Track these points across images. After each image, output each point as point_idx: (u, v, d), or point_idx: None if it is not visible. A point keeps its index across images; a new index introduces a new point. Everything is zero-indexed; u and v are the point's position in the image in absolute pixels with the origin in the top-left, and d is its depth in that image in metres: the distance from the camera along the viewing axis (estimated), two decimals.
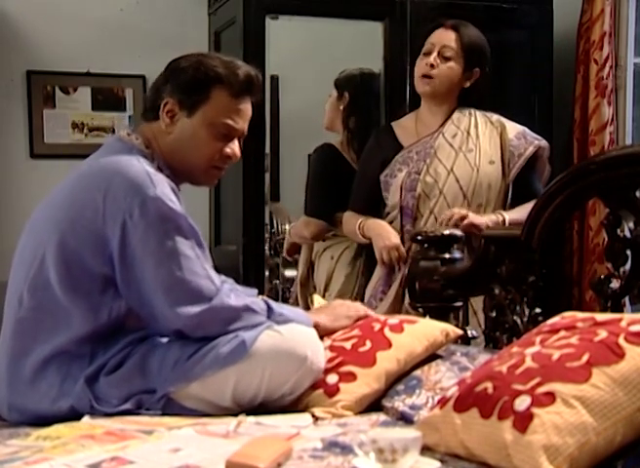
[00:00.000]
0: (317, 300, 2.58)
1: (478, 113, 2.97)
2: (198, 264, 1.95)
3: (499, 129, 2.94)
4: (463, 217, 2.76)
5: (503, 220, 2.82)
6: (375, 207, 3.01)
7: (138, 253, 1.91)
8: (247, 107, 2.10)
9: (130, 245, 1.91)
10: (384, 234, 2.91)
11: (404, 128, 3.03)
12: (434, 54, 2.89)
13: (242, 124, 2.09)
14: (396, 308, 2.85)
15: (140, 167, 1.96)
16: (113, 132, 4.04)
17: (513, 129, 2.96)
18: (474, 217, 2.78)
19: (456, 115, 2.95)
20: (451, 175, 2.88)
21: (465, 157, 2.90)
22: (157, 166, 2.03)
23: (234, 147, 2.10)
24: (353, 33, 4.08)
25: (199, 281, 1.94)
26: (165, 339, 1.99)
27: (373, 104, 3.60)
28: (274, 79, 3.96)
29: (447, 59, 2.89)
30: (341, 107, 3.38)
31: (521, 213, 2.76)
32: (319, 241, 3.37)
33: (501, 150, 2.92)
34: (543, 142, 2.96)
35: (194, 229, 1.97)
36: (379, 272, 3.00)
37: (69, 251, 1.94)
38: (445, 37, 2.91)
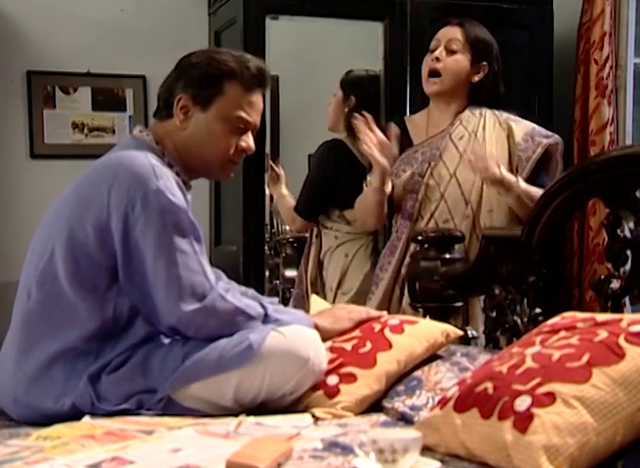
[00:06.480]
0: (315, 300, 2.56)
1: (488, 113, 2.91)
2: (194, 260, 1.95)
3: (506, 131, 2.87)
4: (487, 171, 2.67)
5: (517, 183, 2.70)
6: None
7: (139, 245, 1.92)
8: (259, 100, 2.13)
9: (131, 238, 1.92)
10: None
11: (416, 124, 2.98)
12: (440, 48, 2.87)
13: (255, 117, 2.12)
14: (385, 306, 2.82)
15: (144, 160, 1.97)
16: (113, 132, 4.05)
17: (521, 130, 2.87)
18: (500, 172, 2.67)
19: (465, 114, 2.90)
20: (453, 179, 2.84)
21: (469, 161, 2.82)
22: (167, 162, 2.04)
23: (248, 140, 2.13)
24: (353, 33, 4.08)
25: (193, 278, 1.94)
26: (168, 340, 1.99)
27: (377, 107, 3.56)
28: (274, 79, 3.95)
29: (453, 53, 2.86)
30: (347, 110, 3.34)
31: (538, 191, 2.63)
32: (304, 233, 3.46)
33: (509, 154, 2.84)
34: (553, 139, 2.87)
35: (194, 225, 1.98)
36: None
37: (78, 244, 1.95)
38: (450, 32, 2.89)
